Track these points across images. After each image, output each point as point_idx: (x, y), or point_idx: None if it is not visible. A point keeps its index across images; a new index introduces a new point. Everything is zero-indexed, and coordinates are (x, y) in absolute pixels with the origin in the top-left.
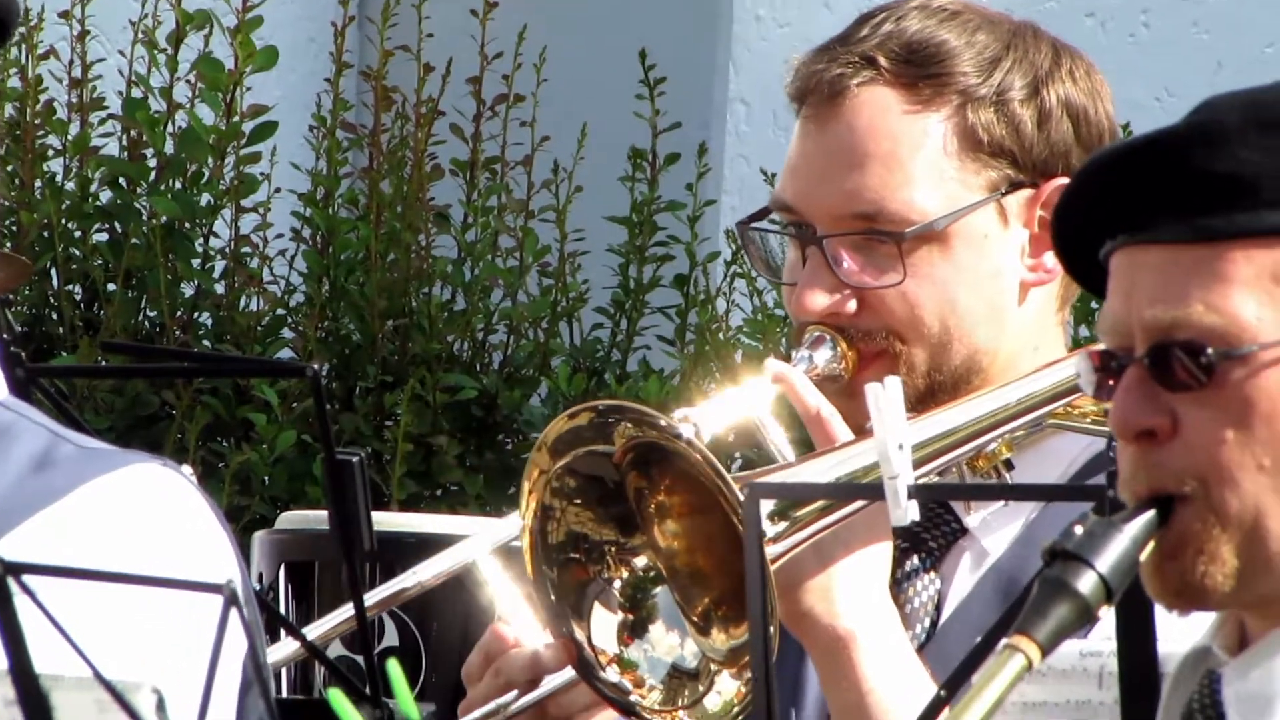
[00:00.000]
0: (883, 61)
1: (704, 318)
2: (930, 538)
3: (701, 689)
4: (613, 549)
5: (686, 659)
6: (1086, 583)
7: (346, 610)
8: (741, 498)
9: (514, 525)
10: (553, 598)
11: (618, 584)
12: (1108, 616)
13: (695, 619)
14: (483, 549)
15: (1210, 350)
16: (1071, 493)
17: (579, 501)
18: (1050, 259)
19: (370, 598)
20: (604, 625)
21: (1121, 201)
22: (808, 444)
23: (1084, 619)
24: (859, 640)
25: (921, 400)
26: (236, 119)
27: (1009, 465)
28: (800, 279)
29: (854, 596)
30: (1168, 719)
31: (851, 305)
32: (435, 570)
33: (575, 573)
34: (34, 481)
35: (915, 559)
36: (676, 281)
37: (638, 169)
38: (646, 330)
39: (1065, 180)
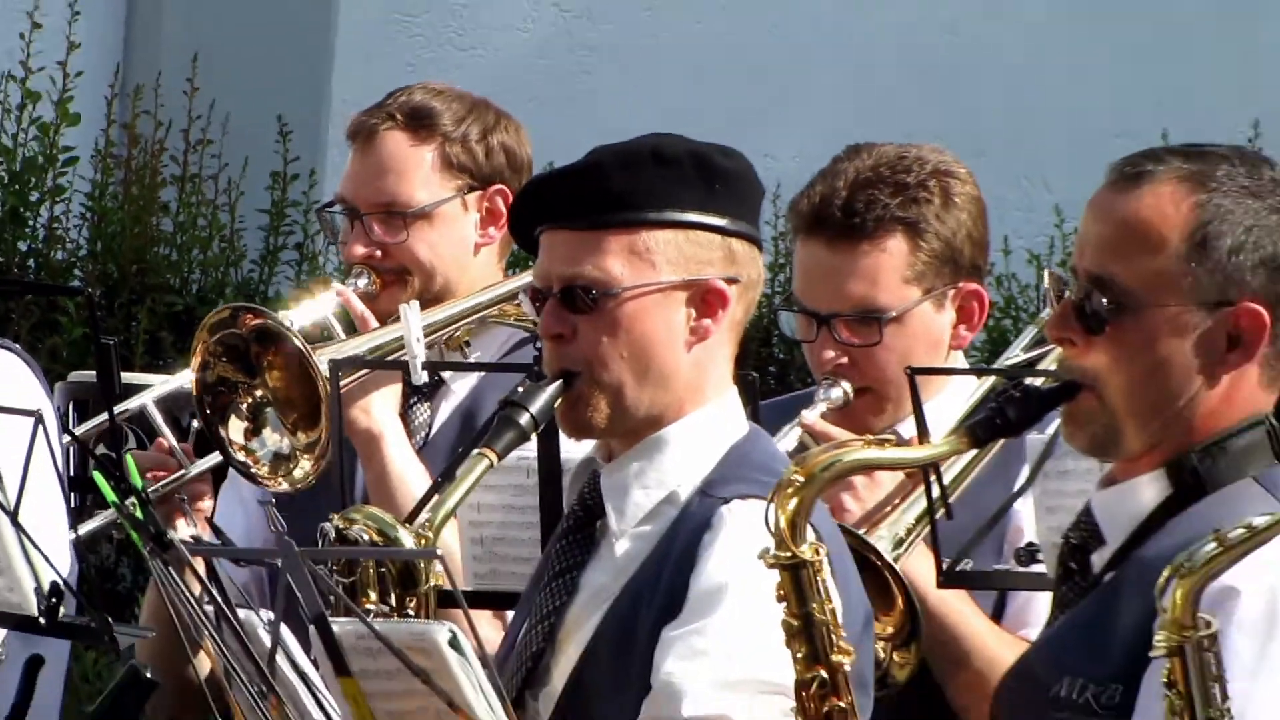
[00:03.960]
0: (398, 117)
1: (313, 267)
2: (426, 385)
3: (291, 466)
4: (243, 386)
5: (284, 448)
6: (524, 418)
7: (103, 419)
8: (318, 363)
9: (186, 376)
10: (208, 413)
11: (244, 405)
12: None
13: (289, 426)
14: (150, 396)
15: (594, 291)
16: (516, 367)
17: (224, 359)
18: (493, 231)
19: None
20: (236, 429)
21: (547, 204)
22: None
23: (523, 439)
24: (385, 437)
25: (421, 308)
26: (56, 152)
27: (468, 344)
28: (350, 239)
29: (379, 411)
30: (569, 500)
31: (378, 253)
32: (134, 403)
33: (222, 399)
34: None
35: (415, 398)
36: (296, 247)
37: (277, 181)
38: (279, 274)
39: (502, 187)
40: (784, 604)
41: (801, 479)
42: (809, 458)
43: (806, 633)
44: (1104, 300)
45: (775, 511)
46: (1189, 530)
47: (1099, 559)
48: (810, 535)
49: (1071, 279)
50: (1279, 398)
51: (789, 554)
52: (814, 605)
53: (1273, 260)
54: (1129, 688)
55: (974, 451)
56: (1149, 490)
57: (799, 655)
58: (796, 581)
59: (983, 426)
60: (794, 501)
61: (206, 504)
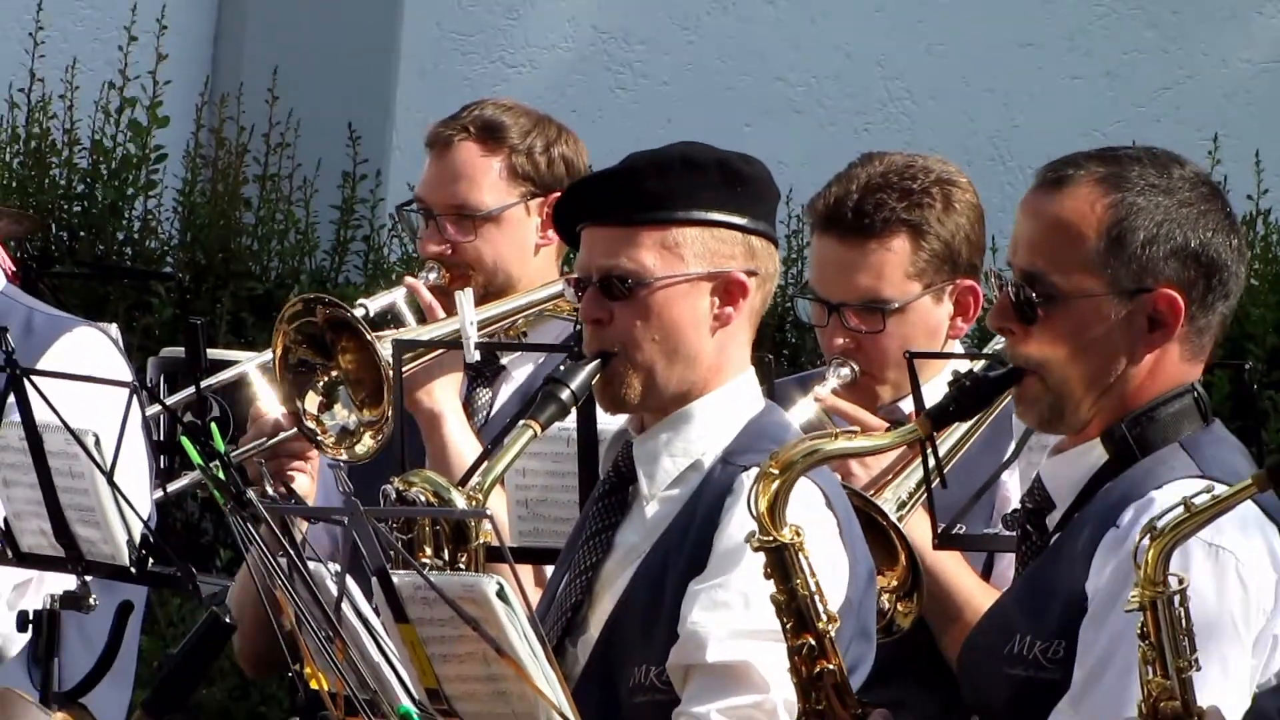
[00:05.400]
0: (471, 129)
1: (378, 258)
2: (487, 370)
3: (354, 440)
4: (319, 367)
5: (350, 424)
6: (565, 393)
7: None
8: (381, 350)
9: (269, 356)
10: (290, 390)
11: (320, 384)
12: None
13: (356, 403)
14: (251, 365)
15: (629, 280)
16: (558, 348)
17: (301, 344)
18: (552, 234)
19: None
20: (311, 402)
21: (587, 204)
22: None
23: (565, 413)
24: (445, 418)
25: (483, 300)
26: (149, 151)
27: (524, 335)
28: (425, 237)
29: (441, 394)
30: (604, 467)
31: (448, 250)
32: (225, 376)
33: (300, 379)
34: (26, 340)
35: (478, 382)
36: (364, 240)
37: (347, 180)
38: (348, 263)
39: (560, 193)
40: (770, 581)
41: (777, 471)
42: (784, 451)
43: (791, 605)
44: (1034, 294)
45: (756, 499)
46: (1119, 494)
47: (1052, 522)
48: (790, 518)
49: (1008, 275)
50: (1204, 368)
51: (770, 537)
52: (797, 581)
53: (1183, 249)
54: (1070, 643)
55: (967, 426)
56: (1088, 458)
57: (788, 625)
58: (780, 561)
59: (937, 412)
60: (773, 489)
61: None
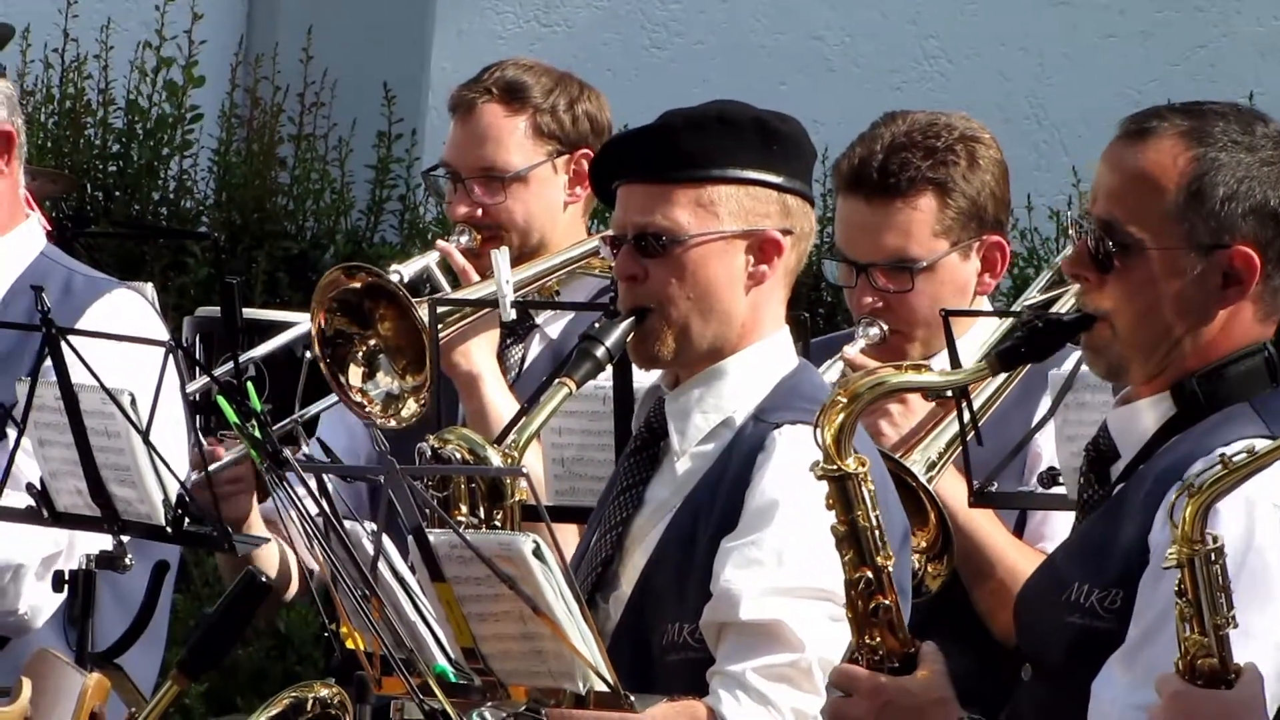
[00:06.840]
0: (494, 91)
1: (414, 217)
2: (520, 328)
3: (399, 405)
4: (357, 337)
5: (394, 389)
6: (600, 350)
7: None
8: (420, 312)
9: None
10: (328, 362)
11: (360, 354)
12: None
13: (398, 371)
14: (290, 336)
15: (664, 238)
16: (594, 306)
17: (339, 314)
18: (580, 190)
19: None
20: (354, 374)
21: (623, 161)
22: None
23: (599, 370)
24: (483, 378)
25: (516, 260)
26: (185, 111)
27: (558, 293)
28: (453, 200)
29: (478, 355)
30: (637, 422)
31: (479, 212)
32: (264, 350)
33: (340, 350)
34: (65, 301)
35: (510, 339)
36: (399, 200)
37: (382, 140)
38: (384, 223)
39: (587, 150)
40: (832, 511)
41: (845, 399)
42: (852, 381)
43: (852, 537)
44: (1111, 243)
45: (822, 429)
46: (1185, 450)
47: (1115, 470)
48: (854, 450)
49: (1087, 223)
50: (1277, 329)
51: (835, 467)
52: (859, 513)
53: (1263, 207)
54: (1128, 593)
55: (999, 382)
56: (1156, 410)
57: (846, 558)
58: (843, 491)
59: (1009, 353)
60: (839, 419)
61: None
